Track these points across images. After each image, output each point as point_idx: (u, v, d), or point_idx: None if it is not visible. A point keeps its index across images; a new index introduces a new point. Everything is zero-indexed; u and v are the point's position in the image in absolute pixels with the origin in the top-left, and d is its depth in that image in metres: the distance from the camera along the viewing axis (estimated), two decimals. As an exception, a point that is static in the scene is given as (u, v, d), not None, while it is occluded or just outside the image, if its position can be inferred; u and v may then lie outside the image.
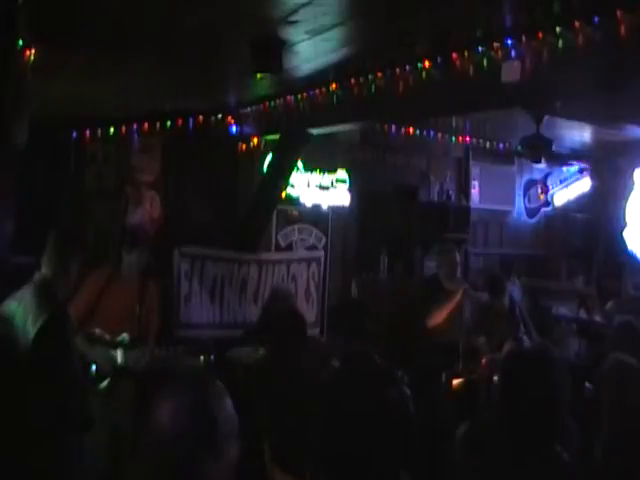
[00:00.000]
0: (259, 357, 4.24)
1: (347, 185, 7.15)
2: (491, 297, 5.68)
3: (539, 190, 9.01)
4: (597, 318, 6.96)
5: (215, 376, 1.74)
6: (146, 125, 6.06)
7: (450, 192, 7.95)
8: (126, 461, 3.74)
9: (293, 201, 6.85)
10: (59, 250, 3.28)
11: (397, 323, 6.44)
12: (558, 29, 3.24)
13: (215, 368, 4.44)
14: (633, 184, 8.40)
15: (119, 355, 3.83)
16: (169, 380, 1.71)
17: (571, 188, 9.14)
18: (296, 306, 5.38)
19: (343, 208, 7.18)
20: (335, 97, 4.84)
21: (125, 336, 3.94)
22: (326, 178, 7.01)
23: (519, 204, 8.89)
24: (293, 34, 3.66)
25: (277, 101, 5.55)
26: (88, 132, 5.93)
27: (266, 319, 5.35)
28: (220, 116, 6.29)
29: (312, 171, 6.89)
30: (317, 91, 5.00)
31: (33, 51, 3.36)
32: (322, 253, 7.06)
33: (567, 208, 9.13)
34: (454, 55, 3.84)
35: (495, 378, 2.71)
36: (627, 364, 3.00)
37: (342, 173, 7.12)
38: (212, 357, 4.70)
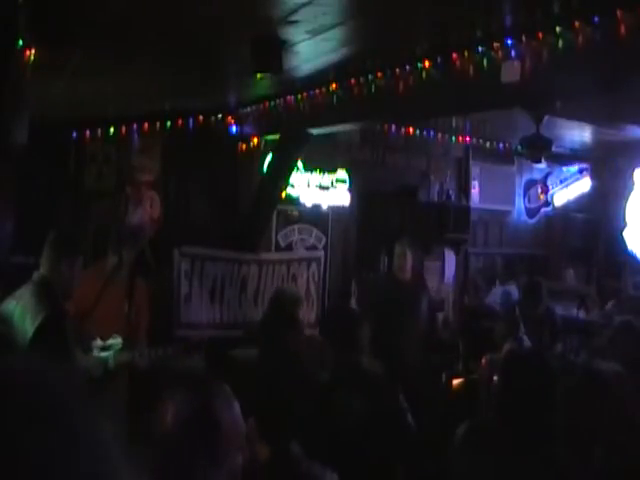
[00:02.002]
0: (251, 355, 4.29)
1: (347, 185, 7.14)
2: (526, 304, 5.39)
3: (539, 190, 9.00)
4: (597, 318, 6.97)
5: (215, 377, 1.73)
6: (146, 125, 6.06)
7: (450, 192, 7.94)
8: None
9: (293, 201, 6.84)
10: (57, 250, 3.28)
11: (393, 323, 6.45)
12: (558, 29, 3.24)
13: (210, 366, 4.43)
14: (633, 184, 8.39)
15: (111, 358, 3.81)
16: (172, 383, 1.71)
17: (571, 188, 9.13)
18: (299, 310, 5.37)
19: (343, 208, 7.18)
20: (335, 97, 4.84)
21: (118, 340, 3.92)
22: (326, 178, 7.01)
23: (519, 204, 8.89)
24: (293, 34, 3.66)
25: (277, 101, 5.55)
26: (88, 132, 5.92)
27: (270, 320, 5.36)
28: (220, 116, 6.29)
29: (312, 171, 6.89)
30: (317, 91, 5.00)
31: (33, 51, 3.36)
32: (322, 253, 7.05)
33: (567, 208, 9.12)
34: (454, 55, 3.84)
35: (495, 378, 2.71)
36: (607, 372, 2.96)
37: (342, 173, 7.11)
38: (205, 355, 4.68)
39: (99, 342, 3.88)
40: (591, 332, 6.14)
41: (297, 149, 6.02)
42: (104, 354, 3.83)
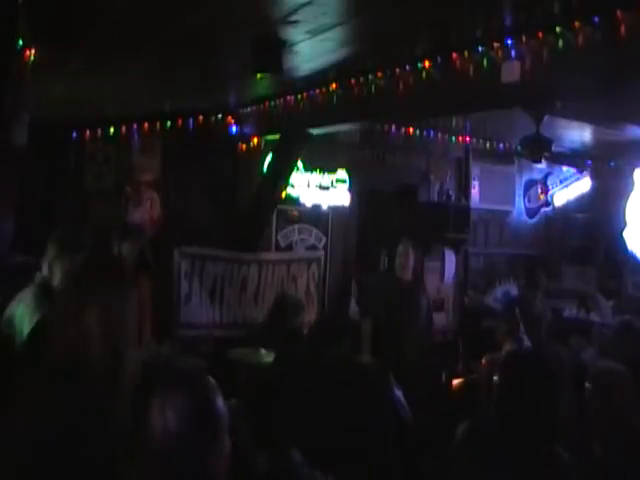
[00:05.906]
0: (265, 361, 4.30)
1: (347, 185, 7.14)
2: (526, 289, 5.84)
3: (539, 190, 9.00)
4: (596, 318, 6.98)
5: (213, 375, 1.75)
6: (146, 125, 6.06)
7: (450, 192, 7.94)
8: (122, 461, 3.75)
9: (293, 201, 6.85)
10: (58, 250, 3.28)
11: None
12: (558, 29, 3.24)
13: (212, 367, 4.45)
14: (633, 184, 8.40)
15: None
16: (171, 379, 1.71)
17: (571, 188, 9.13)
18: (302, 313, 5.40)
19: (343, 208, 7.18)
20: (335, 97, 4.84)
21: None
22: (326, 178, 7.01)
23: (519, 204, 8.89)
24: (293, 34, 3.66)
25: (277, 101, 5.55)
26: (88, 132, 5.92)
27: (272, 325, 5.37)
28: (220, 116, 6.29)
29: (312, 171, 6.89)
30: (317, 91, 5.00)
31: (33, 51, 3.36)
32: (322, 253, 7.06)
33: (567, 208, 9.12)
34: (454, 55, 3.84)
35: (495, 378, 2.72)
36: (615, 371, 2.96)
37: (342, 173, 7.11)
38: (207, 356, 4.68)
39: None
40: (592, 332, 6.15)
41: (297, 149, 6.02)
42: None
